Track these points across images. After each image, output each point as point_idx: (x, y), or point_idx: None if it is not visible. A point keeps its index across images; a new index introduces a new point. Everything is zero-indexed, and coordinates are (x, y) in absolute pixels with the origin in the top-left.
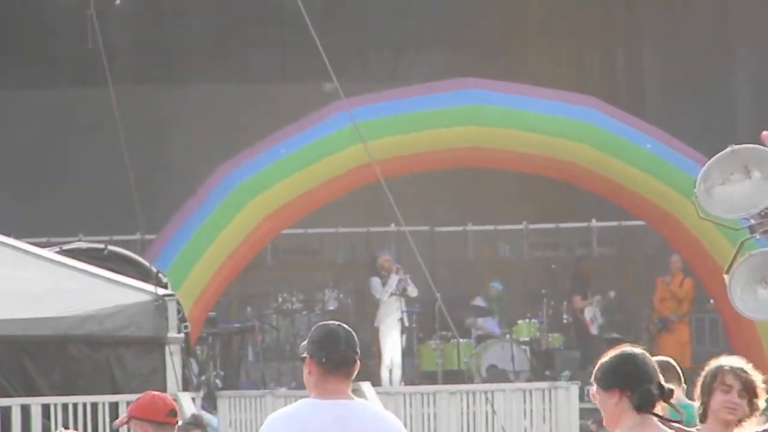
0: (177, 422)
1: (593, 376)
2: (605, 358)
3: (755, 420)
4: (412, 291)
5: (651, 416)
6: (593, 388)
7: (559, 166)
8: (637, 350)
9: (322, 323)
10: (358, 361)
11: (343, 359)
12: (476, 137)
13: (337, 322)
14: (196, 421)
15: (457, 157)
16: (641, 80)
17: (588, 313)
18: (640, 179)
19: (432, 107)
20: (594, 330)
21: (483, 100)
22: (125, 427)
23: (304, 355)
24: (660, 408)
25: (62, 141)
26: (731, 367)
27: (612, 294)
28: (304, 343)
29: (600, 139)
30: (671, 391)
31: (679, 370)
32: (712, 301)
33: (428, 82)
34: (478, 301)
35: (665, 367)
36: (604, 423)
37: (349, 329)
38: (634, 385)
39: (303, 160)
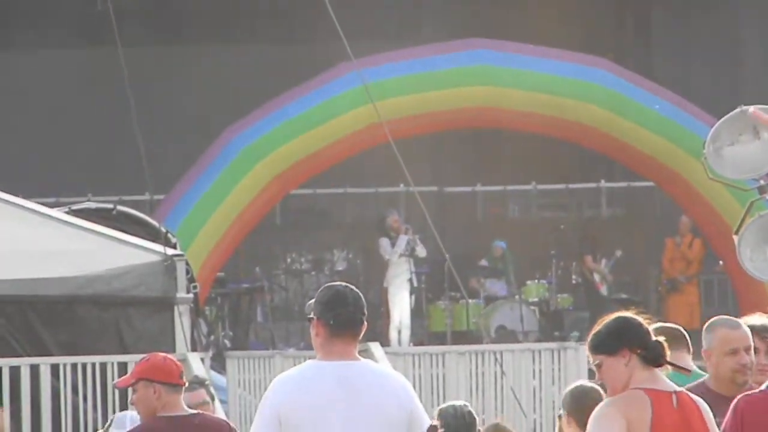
0: (185, 384)
1: (593, 347)
2: (600, 327)
3: None
4: (421, 251)
5: (659, 370)
6: (595, 361)
7: (568, 126)
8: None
9: (329, 284)
10: (365, 323)
11: (351, 321)
12: (485, 97)
13: (344, 283)
14: (199, 381)
15: (466, 117)
16: (650, 41)
17: (597, 276)
18: (649, 140)
19: (441, 67)
20: (603, 291)
21: (492, 61)
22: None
23: (311, 315)
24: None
25: (71, 102)
26: (754, 327)
27: (618, 253)
28: (311, 302)
29: (609, 99)
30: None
31: (688, 338)
32: (721, 262)
33: (437, 43)
34: (484, 262)
35: (674, 334)
36: (609, 392)
37: (357, 290)
38: (643, 341)
39: (312, 121)
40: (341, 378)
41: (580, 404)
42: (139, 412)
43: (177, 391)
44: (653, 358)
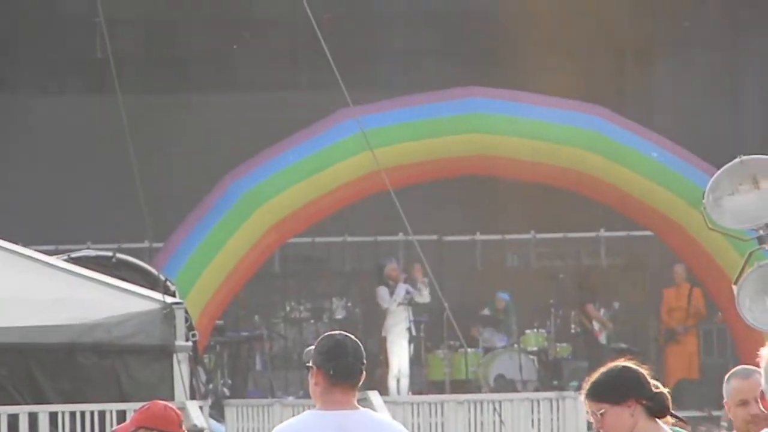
0: None
1: (598, 395)
2: (603, 375)
3: None
4: (425, 297)
5: (660, 421)
6: (600, 409)
7: (566, 174)
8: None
9: (329, 333)
10: (365, 372)
11: (351, 371)
12: (482, 145)
13: (344, 333)
14: (198, 430)
15: (464, 165)
16: (650, 89)
17: (596, 324)
18: (647, 188)
19: (438, 115)
20: (602, 339)
21: (488, 109)
22: None
23: (309, 364)
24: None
25: (71, 148)
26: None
27: (616, 305)
28: (309, 349)
29: (607, 147)
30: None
31: None
32: (720, 313)
33: (435, 91)
34: (487, 312)
35: None
36: None
37: (356, 340)
38: (649, 392)
39: (310, 168)
40: (341, 427)
41: None
42: None
43: None
44: (659, 409)
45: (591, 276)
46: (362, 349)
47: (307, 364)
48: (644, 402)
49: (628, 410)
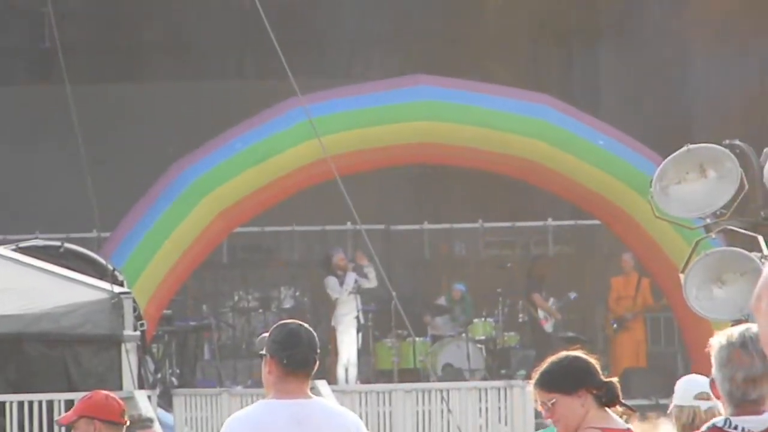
0: (126, 423)
1: (548, 385)
2: (552, 365)
3: None
4: (372, 281)
5: (610, 410)
6: (551, 399)
7: (514, 162)
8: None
9: (283, 322)
10: (318, 361)
11: (305, 360)
12: (430, 133)
13: (298, 322)
14: (149, 419)
15: (412, 153)
16: (597, 79)
17: (541, 313)
18: (594, 177)
19: (386, 103)
20: (548, 328)
21: (437, 96)
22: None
23: (263, 352)
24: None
25: (19, 138)
26: None
27: (572, 295)
28: (263, 337)
29: (554, 135)
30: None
31: None
32: (664, 300)
33: (384, 79)
34: (442, 302)
35: None
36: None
37: (310, 329)
38: (598, 381)
39: (258, 156)
40: (295, 417)
41: None
42: None
43: (118, 430)
44: (609, 398)
45: (538, 265)
46: (316, 338)
47: (261, 353)
48: (595, 391)
49: (579, 400)
